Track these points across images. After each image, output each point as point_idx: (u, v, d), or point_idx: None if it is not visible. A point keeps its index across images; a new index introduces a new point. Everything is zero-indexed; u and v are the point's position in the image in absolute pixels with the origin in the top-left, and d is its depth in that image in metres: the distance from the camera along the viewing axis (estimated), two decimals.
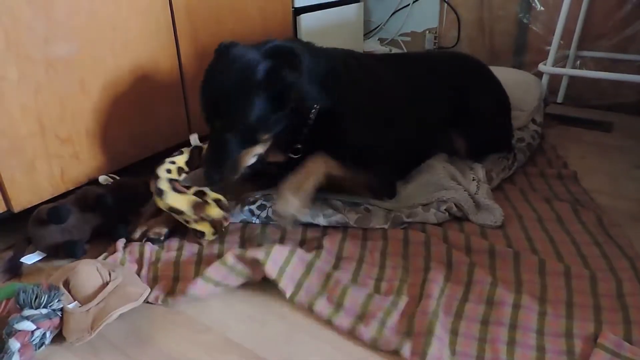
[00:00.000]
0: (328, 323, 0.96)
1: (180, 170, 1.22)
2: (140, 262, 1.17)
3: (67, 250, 1.20)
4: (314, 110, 1.24)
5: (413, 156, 1.51)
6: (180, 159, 1.23)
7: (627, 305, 0.96)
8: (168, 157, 1.23)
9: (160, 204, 1.17)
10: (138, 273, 1.14)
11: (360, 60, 1.43)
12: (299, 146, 1.28)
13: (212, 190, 1.25)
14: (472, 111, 1.52)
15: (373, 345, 0.91)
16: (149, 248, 1.20)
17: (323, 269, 1.07)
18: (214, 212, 1.20)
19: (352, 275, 1.09)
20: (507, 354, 0.88)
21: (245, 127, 1.15)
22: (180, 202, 1.17)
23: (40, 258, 1.21)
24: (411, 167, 1.49)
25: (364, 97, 1.35)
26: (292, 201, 1.14)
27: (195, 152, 1.25)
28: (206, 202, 1.21)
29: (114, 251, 1.20)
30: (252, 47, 1.20)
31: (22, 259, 1.19)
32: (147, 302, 1.05)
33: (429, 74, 1.54)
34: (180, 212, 1.18)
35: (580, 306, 0.98)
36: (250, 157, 1.20)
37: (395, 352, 0.89)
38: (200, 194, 1.24)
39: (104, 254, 1.20)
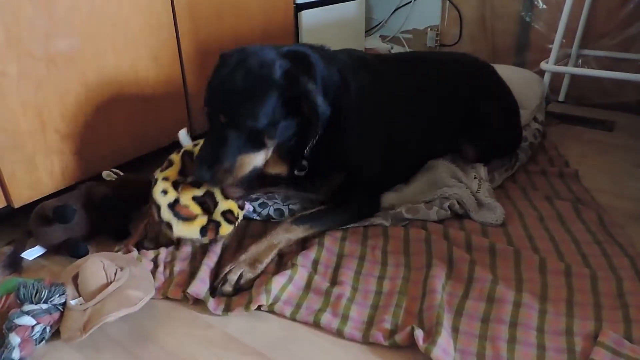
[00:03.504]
0: (339, 334, 0.95)
1: (176, 184, 1.16)
2: (155, 261, 1.16)
3: (69, 249, 1.20)
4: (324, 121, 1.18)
5: (419, 163, 1.49)
6: (172, 172, 1.17)
7: (628, 303, 0.96)
8: (159, 170, 1.17)
9: (171, 235, 1.13)
10: (153, 272, 1.12)
11: (372, 68, 1.37)
12: (305, 162, 1.22)
13: (222, 194, 1.18)
14: (483, 120, 1.50)
15: (393, 346, 0.91)
16: (164, 250, 1.19)
17: (321, 288, 1.05)
18: (225, 231, 1.14)
19: (354, 275, 1.09)
20: (507, 352, 0.88)
21: (251, 127, 1.06)
22: (189, 231, 1.12)
23: (41, 253, 1.21)
24: (415, 171, 1.48)
25: (373, 110, 1.31)
26: (247, 274, 1.08)
27: (187, 159, 1.18)
28: (216, 222, 1.14)
29: (128, 251, 1.19)
30: (268, 48, 1.14)
31: (23, 255, 1.19)
32: (153, 299, 1.04)
33: (441, 82, 1.49)
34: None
35: (580, 304, 0.98)
36: (250, 164, 1.11)
37: (399, 346, 0.90)
38: (210, 196, 1.17)
39: (120, 248, 1.21)
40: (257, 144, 1.10)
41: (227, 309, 1.01)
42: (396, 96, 1.39)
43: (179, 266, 1.14)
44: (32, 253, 1.20)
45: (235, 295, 1.05)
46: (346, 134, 1.25)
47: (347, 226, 1.26)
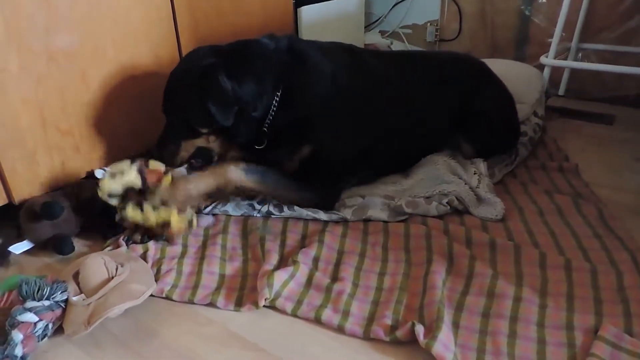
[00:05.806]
0: (340, 330, 0.95)
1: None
2: (144, 257, 1.16)
3: (56, 246, 1.20)
4: (271, 112, 1.25)
5: (405, 158, 1.49)
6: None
7: (628, 298, 0.96)
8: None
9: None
10: None
11: (356, 57, 1.39)
12: (264, 139, 1.29)
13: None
14: (478, 117, 1.49)
15: (393, 341, 0.91)
16: (153, 245, 1.19)
17: (321, 284, 1.06)
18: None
19: (355, 271, 1.10)
20: (507, 347, 0.88)
21: (177, 119, 1.25)
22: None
23: (29, 248, 1.21)
24: (410, 163, 1.48)
25: (348, 99, 1.32)
26: (181, 192, 1.16)
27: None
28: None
29: (118, 246, 1.19)
30: (222, 45, 1.27)
31: (10, 248, 1.19)
32: (152, 295, 1.05)
33: (430, 78, 1.48)
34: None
35: (580, 299, 0.98)
36: (194, 145, 1.27)
37: (400, 342, 0.91)
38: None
39: (109, 248, 1.20)
40: (193, 132, 1.25)
41: (239, 304, 1.02)
42: (378, 85, 1.39)
43: (167, 265, 1.14)
44: (19, 247, 1.20)
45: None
46: (312, 106, 1.28)
47: (301, 213, 1.28)
